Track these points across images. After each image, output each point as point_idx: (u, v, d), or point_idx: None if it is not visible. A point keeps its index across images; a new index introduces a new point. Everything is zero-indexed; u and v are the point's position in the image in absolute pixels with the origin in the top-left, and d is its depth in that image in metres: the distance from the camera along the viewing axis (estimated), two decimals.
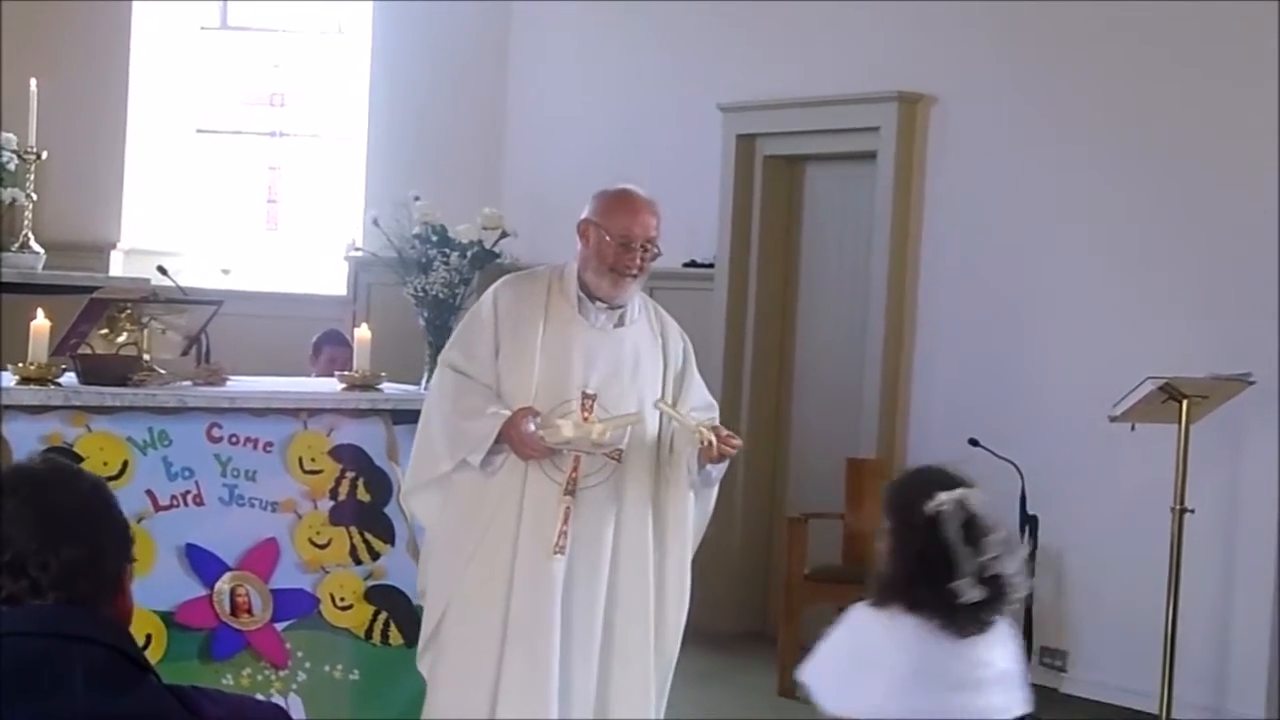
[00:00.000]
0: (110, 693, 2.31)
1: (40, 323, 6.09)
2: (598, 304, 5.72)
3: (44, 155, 10.00)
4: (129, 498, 5.96)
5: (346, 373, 6.72)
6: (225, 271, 11.92)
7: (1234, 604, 7.98)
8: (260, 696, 5.96)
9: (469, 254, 7.13)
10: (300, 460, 6.35)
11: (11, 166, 9.68)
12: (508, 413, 5.57)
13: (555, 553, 5.57)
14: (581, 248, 5.75)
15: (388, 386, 6.71)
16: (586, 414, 5.62)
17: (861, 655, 4.27)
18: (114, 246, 11.57)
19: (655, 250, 5.72)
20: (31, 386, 5.92)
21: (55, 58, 11.08)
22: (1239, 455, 7.96)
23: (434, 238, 7.14)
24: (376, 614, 6.42)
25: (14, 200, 9.55)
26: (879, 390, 9.53)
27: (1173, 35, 8.33)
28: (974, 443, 7.63)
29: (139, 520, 6.01)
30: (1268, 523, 7.86)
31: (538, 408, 5.58)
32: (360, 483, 6.43)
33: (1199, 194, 8.20)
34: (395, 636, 6.41)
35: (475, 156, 11.73)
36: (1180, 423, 7.43)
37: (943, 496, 4.18)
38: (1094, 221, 8.61)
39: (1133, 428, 7.57)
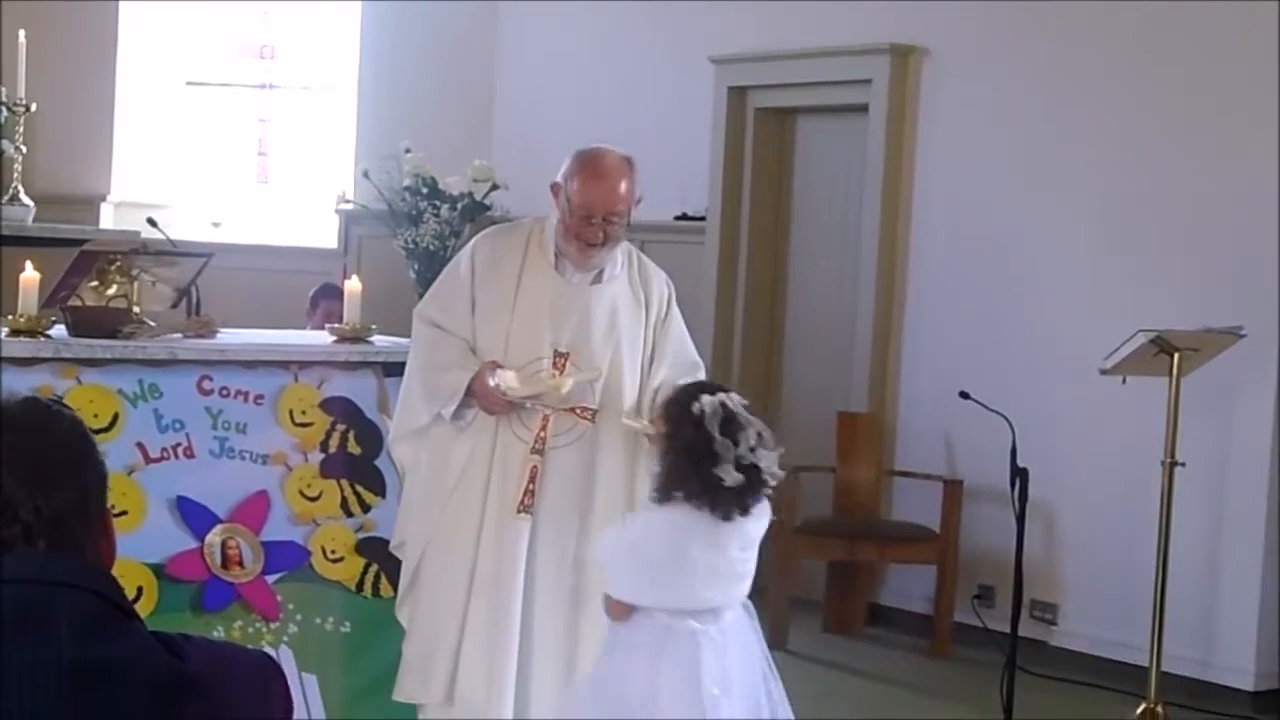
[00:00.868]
0: (96, 640, 2.31)
1: (30, 275, 6.07)
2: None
3: (33, 108, 9.98)
4: (119, 450, 5.96)
5: (337, 325, 6.71)
6: (216, 224, 11.89)
7: (1224, 557, 8.00)
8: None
9: (459, 206, 7.15)
10: (291, 413, 6.34)
11: (1, 119, 9.65)
12: (476, 366, 5.57)
13: (520, 511, 5.58)
14: (554, 209, 5.72)
15: (378, 339, 6.70)
16: (558, 371, 5.61)
17: (642, 548, 4.97)
18: (104, 199, 11.55)
19: (623, 219, 5.66)
20: (21, 339, 5.90)
21: (45, 10, 11.04)
22: (1230, 408, 7.97)
23: (424, 190, 7.17)
24: (367, 566, 6.42)
25: (3, 153, 9.53)
26: (870, 343, 9.53)
27: None
28: (965, 395, 7.63)
29: (129, 472, 6.01)
30: (1258, 476, 7.88)
31: (510, 363, 5.56)
32: (351, 435, 6.43)
33: (1192, 147, 8.20)
34: (386, 589, 6.40)
35: (466, 109, 11.70)
36: (1171, 376, 7.43)
37: (706, 398, 4.94)
38: (1086, 174, 8.60)
39: (1124, 381, 7.57)
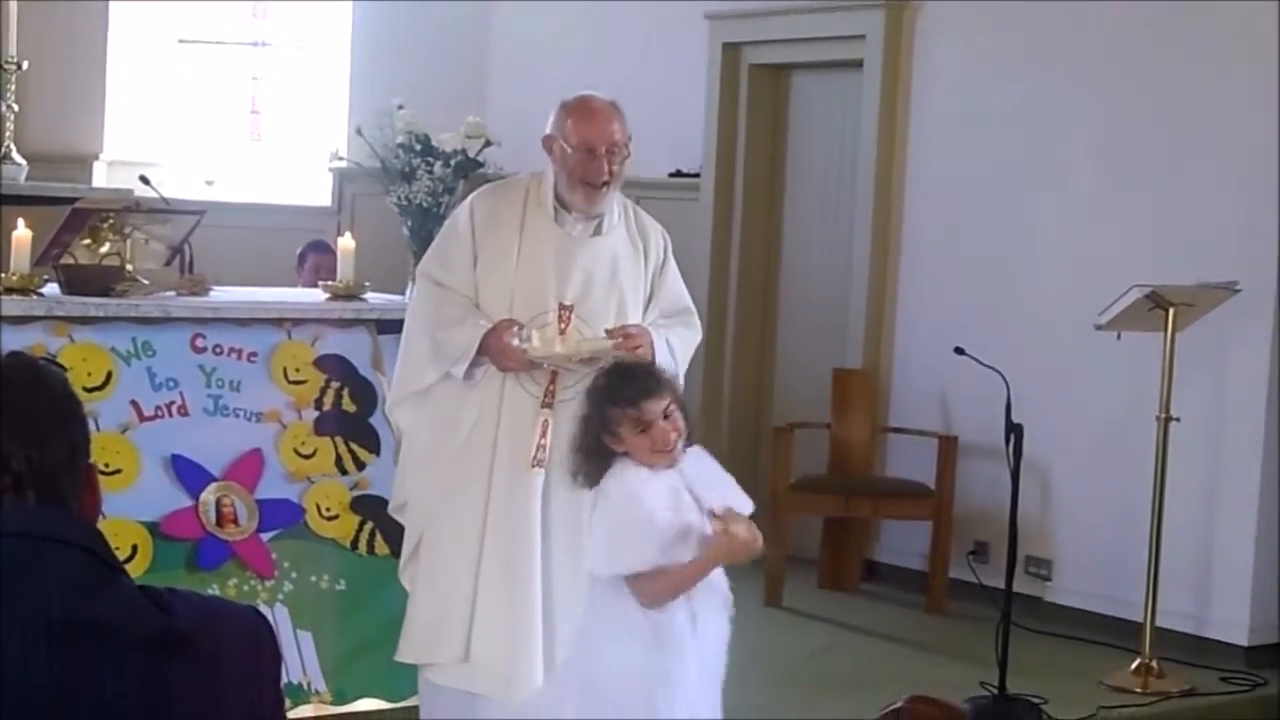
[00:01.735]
0: (84, 595, 2.30)
1: (22, 233, 6.06)
2: (574, 213, 5.69)
3: (25, 66, 9.96)
4: (113, 408, 5.97)
5: (331, 283, 6.70)
6: (209, 182, 11.86)
7: (1218, 512, 8.00)
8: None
9: (453, 163, 7.10)
10: (285, 370, 6.35)
11: None
12: (488, 324, 5.55)
13: (534, 465, 5.58)
14: (550, 162, 5.71)
15: (372, 296, 6.70)
16: (564, 325, 5.60)
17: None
18: (96, 157, 11.51)
19: (624, 154, 5.66)
20: (14, 297, 5.90)
21: None
22: (1225, 363, 7.97)
23: (418, 147, 7.11)
24: (362, 524, 6.43)
25: None
26: (865, 300, 9.52)
27: None
28: (959, 351, 7.61)
29: (123, 431, 6.01)
30: (1253, 431, 7.88)
31: (515, 318, 5.56)
32: (345, 393, 6.43)
33: (1188, 104, 8.18)
34: (381, 546, 6.41)
35: (459, 65, 11.67)
36: (1166, 331, 7.43)
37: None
38: (1082, 129, 8.58)
39: (1119, 336, 7.57)
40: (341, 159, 8.43)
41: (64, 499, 2.40)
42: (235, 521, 6.23)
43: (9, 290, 5.93)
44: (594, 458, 5.06)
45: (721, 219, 10.34)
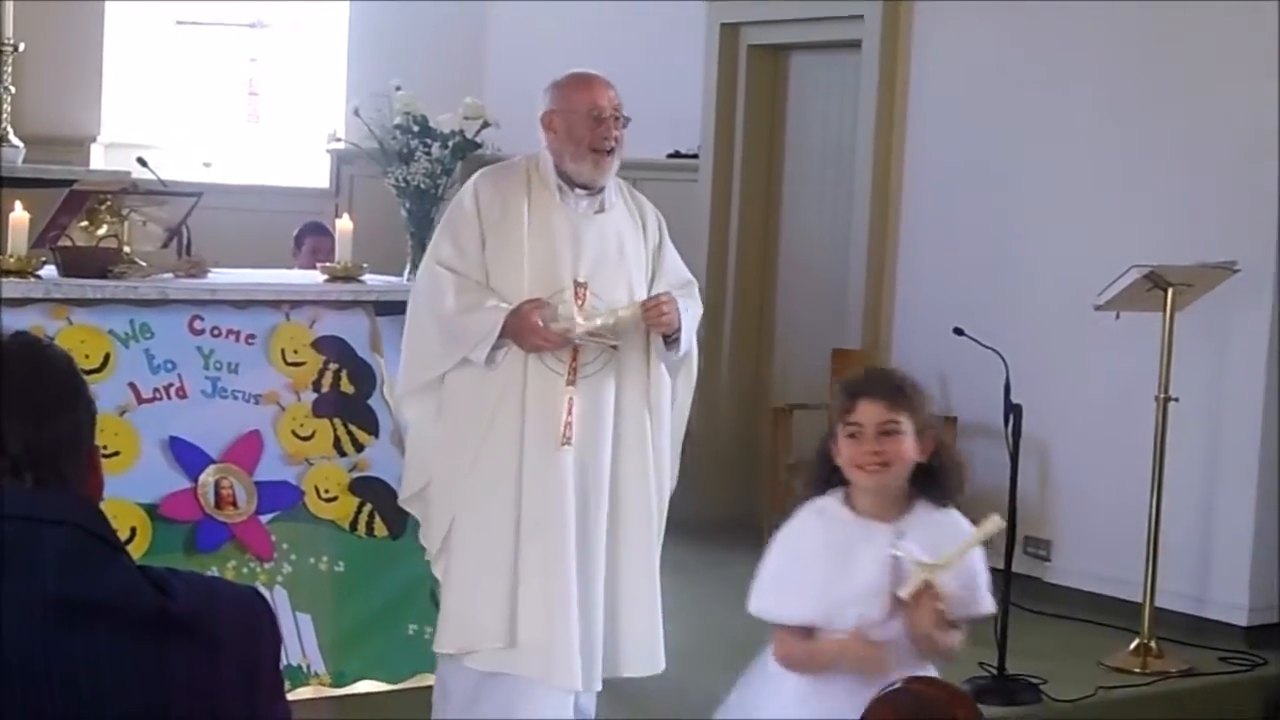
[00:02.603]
0: (82, 576, 2.30)
1: (19, 215, 6.06)
2: (577, 191, 5.70)
3: (21, 48, 9.94)
4: (111, 390, 5.96)
5: (329, 264, 6.70)
6: (206, 164, 11.86)
7: (1217, 492, 8.00)
8: None
9: (450, 144, 7.10)
10: (283, 352, 6.34)
11: None
12: (507, 306, 5.54)
13: (563, 444, 5.57)
14: (550, 140, 5.71)
15: (370, 278, 6.69)
16: (580, 301, 5.61)
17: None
18: (94, 140, 11.51)
19: (623, 119, 5.70)
20: (12, 279, 5.89)
21: None
22: (1224, 343, 7.96)
23: (415, 128, 7.11)
24: (361, 506, 6.43)
25: None
26: (864, 280, 9.51)
27: None
28: (959, 332, 7.61)
29: (121, 413, 6.01)
30: (1252, 411, 7.87)
31: (531, 298, 5.55)
32: (343, 374, 6.43)
33: (1186, 83, 8.16)
34: (380, 528, 6.41)
35: (457, 46, 11.65)
36: (1165, 311, 7.42)
37: None
38: (1080, 109, 8.56)
39: (1117, 316, 7.56)
40: (339, 140, 8.42)
41: (65, 480, 2.39)
42: (234, 503, 6.22)
43: (6, 273, 5.92)
44: (818, 467, 4.50)
45: (720, 200, 10.32)
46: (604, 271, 5.68)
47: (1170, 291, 7.39)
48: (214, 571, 6.04)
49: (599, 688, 5.79)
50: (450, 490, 5.70)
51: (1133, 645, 7.52)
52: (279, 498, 6.32)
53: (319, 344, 6.40)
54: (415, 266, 6.41)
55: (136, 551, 5.90)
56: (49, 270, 6.09)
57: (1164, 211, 8.16)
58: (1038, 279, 8.67)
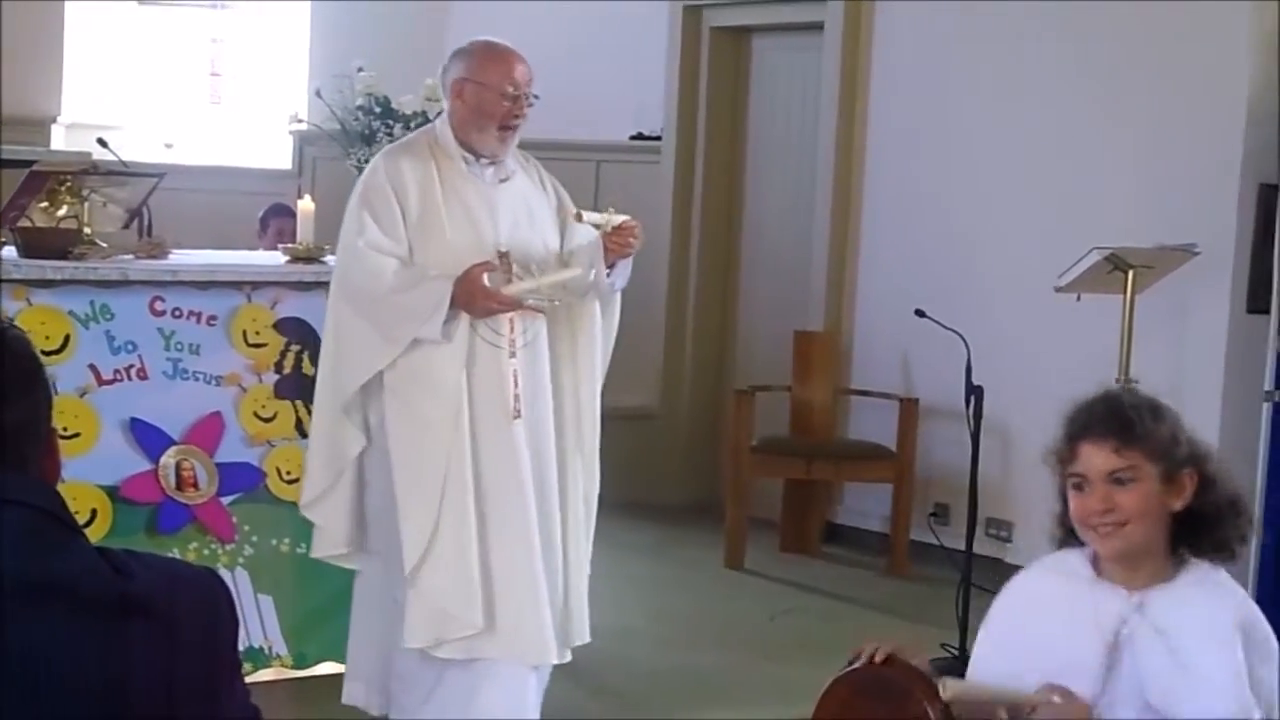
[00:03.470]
0: (38, 555, 2.30)
1: None
2: (481, 160, 5.65)
3: None
4: (71, 371, 5.95)
5: (290, 245, 6.68)
6: (168, 145, 11.82)
7: None
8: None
9: (413, 125, 7.11)
10: (244, 334, 6.33)
11: None
12: (450, 276, 5.46)
13: (515, 418, 5.53)
14: (456, 109, 5.66)
15: (332, 259, 6.67)
16: (506, 271, 5.56)
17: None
18: (54, 120, 11.45)
19: (535, 96, 5.66)
20: None
21: None
22: (1184, 325, 7.99)
23: (377, 109, 7.12)
24: None
25: None
26: (826, 262, 9.53)
27: None
28: (920, 313, 7.64)
29: (82, 394, 5.99)
30: (1211, 392, 7.91)
31: (460, 268, 5.45)
32: (305, 356, 6.41)
33: (1144, 65, 8.18)
34: None
35: (419, 27, 11.61)
36: (1125, 293, 7.45)
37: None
38: (1040, 91, 8.59)
39: (1078, 298, 7.58)
40: (301, 122, 8.42)
41: (24, 463, 2.38)
42: (195, 485, 6.21)
43: None
44: (1055, 530, 3.72)
45: (683, 182, 10.33)
46: (520, 236, 5.62)
47: (1131, 274, 7.42)
48: (175, 553, 6.04)
49: (569, 659, 5.77)
50: (429, 489, 5.49)
51: None
52: (240, 479, 6.31)
53: (280, 325, 6.39)
54: (341, 263, 6.22)
55: (97, 533, 5.88)
56: (9, 251, 6.07)
57: (1124, 194, 8.19)
58: (999, 261, 8.70)
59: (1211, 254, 7.69)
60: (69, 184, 6.32)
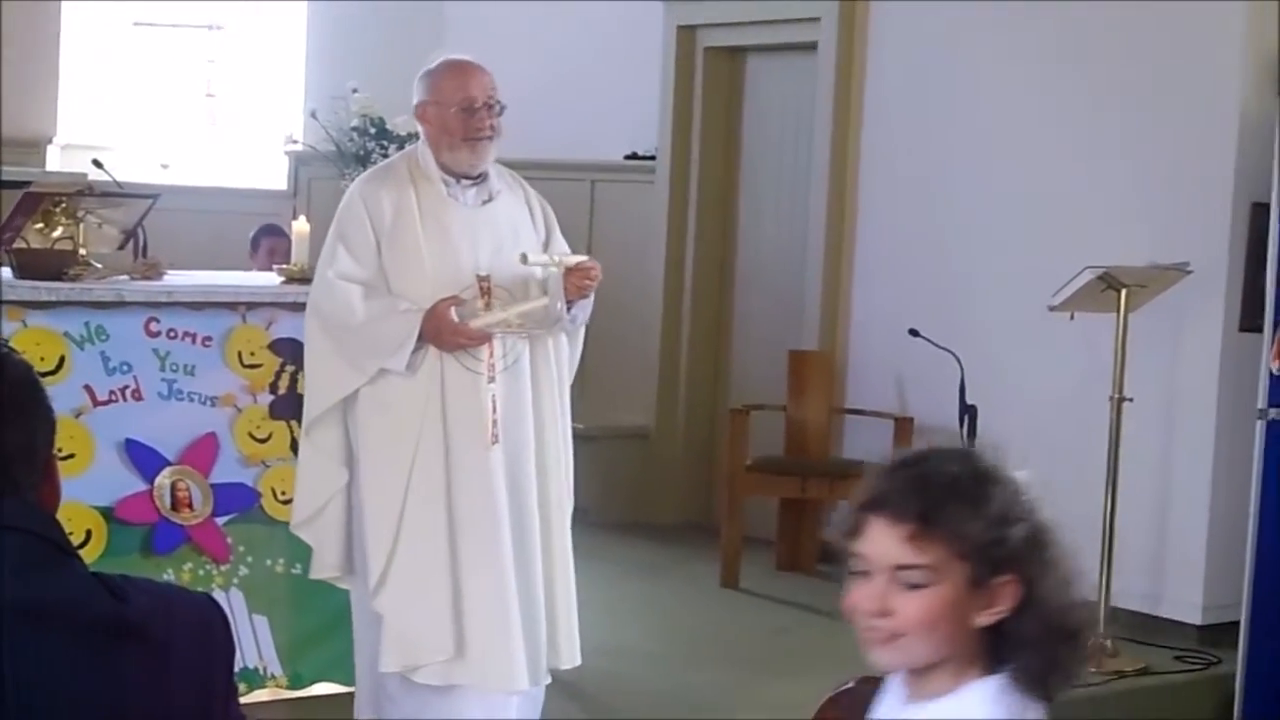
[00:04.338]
0: (36, 580, 2.31)
1: None
2: (462, 182, 5.65)
3: None
4: (66, 393, 5.94)
5: (285, 266, 6.69)
6: (164, 166, 11.83)
7: (1172, 492, 8.04)
8: (201, 590, 5.95)
9: (407, 146, 7.11)
10: (239, 354, 6.33)
11: None
12: (420, 308, 5.46)
13: (493, 443, 5.53)
14: (427, 131, 5.68)
15: None
16: (485, 296, 5.56)
17: None
18: (50, 141, 11.46)
19: (499, 107, 5.66)
20: None
21: None
22: (1177, 344, 8.00)
23: (372, 130, 7.13)
24: None
25: None
26: (820, 282, 9.54)
27: None
28: (914, 333, 7.66)
29: (77, 415, 5.99)
30: (1205, 410, 7.92)
31: (436, 297, 5.47)
32: (300, 377, 6.41)
33: (1137, 85, 8.20)
34: None
35: (414, 48, 11.58)
36: (1119, 312, 7.46)
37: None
38: (1035, 112, 8.60)
39: (1071, 317, 7.59)
40: (296, 142, 8.43)
41: (17, 488, 2.39)
42: (190, 506, 6.21)
43: None
44: None
45: (677, 201, 10.34)
46: (502, 260, 5.62)
47: (1124, 292, 7.43)
48: (170, 574, 6.05)
49: (548, 681, 5.77)
50: (393, 511, 5.53)
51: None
52: (235, 500, 6.31)
53: (275, 346, 6.39)
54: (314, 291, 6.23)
55: (92, 554, 5.88)
56: (4, 272, 6.07)
57: (1118, 213, 8.20)
58: (993, 280, 8.70)
59: (1204, 273, 7.70)
60: (64, 205, 6.33)
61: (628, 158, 10.49)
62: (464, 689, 5.53)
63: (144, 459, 6.13)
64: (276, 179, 11.80)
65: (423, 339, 5.45)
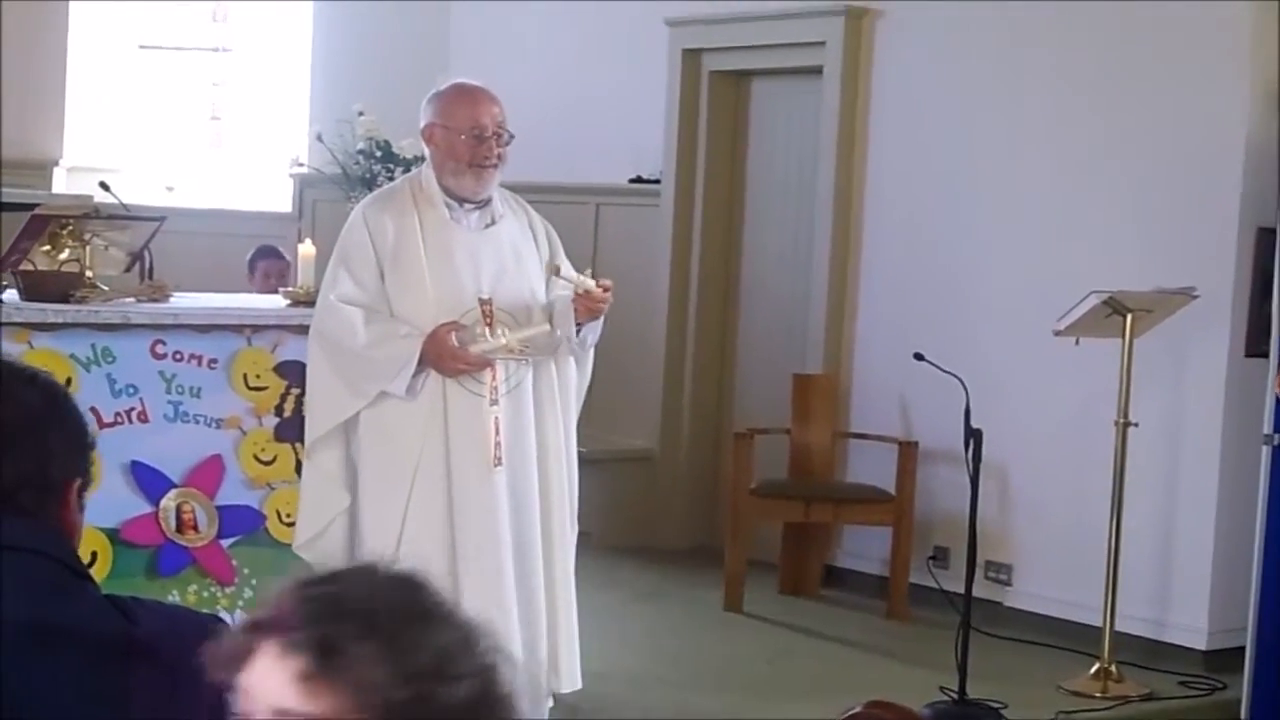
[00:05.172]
0: (46, 602, 2.31)
1: None
2: (465, 206, 5.66)
3: None
4: None
5: (291, 289, 6.70)
6: (169, 188, 11.83)
7: (1177, 516, 8.03)
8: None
9: (413, 168, 7.12)
10: (245, 377, 6.34)
11: None
12: (421, 333, 5.47)
13: (496, 465, 5.53)
14: (433, 153, 5.69)
15: None
16: (488, 320, 5.56)
17: None
18: (56, 163, 11.47)
19: (507, 136, 5.67)
20: None
21: None
22: (1182, 369, 8.00)
23: (378, 153, 7.14)
24: None
25: None
26: (825, 305, 9.54)
27: None
28: (919, 357, 7.65)
29: None
30: (1210, 435, 7.91)
31: (438, 320, 5.49)
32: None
33: (1143, 109, 8.21)
34: None
35: (419, 71, 11.61)
36: (1124, 337, 7.46)
37: None
38: (1041, 136, 8.60)
39: (1077, 342, 7.59)
40: (302, 165, 8.44)
41: (28, 513, 2.38)
42: (195, 528, 6.22)
43: None
44: None
45: (682, 225, 10.34)
46: (505, 284, 5.63)
47: (1129, 317, 7.43)
48: (175, 596, 6.05)
49: (550, 705, 5.77)
50: (387, 534, 5.56)
51: (1093, 669, 7.55)
52: (240, 522, 6.32)
53: (281, 369, 6.40)
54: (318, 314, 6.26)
55: (98, 575, 5.86)
56: (10, 294, 6.09)
57: (1123, 238, 8.20)
58: (998, 304, 8.71)
59: (1210, 297, 7.70)
60: (71, 227, 6.34)
61: (632, 181, 10.49)
62: None
63: (149, 481, 6.14)
64: (281, 201, 11.80)
65: (423, 363, 5.46)
